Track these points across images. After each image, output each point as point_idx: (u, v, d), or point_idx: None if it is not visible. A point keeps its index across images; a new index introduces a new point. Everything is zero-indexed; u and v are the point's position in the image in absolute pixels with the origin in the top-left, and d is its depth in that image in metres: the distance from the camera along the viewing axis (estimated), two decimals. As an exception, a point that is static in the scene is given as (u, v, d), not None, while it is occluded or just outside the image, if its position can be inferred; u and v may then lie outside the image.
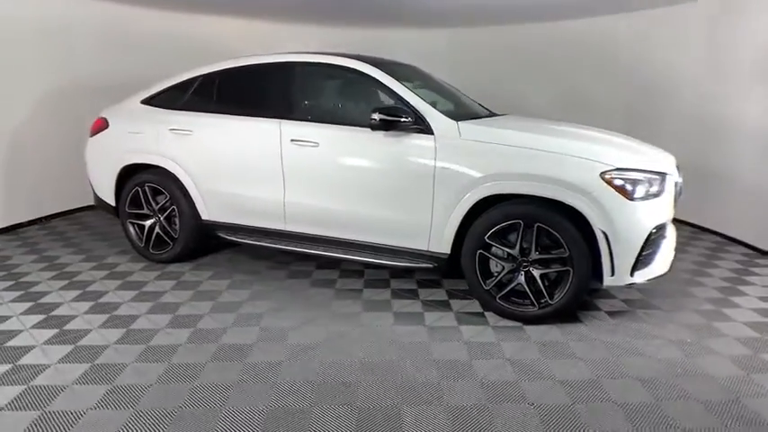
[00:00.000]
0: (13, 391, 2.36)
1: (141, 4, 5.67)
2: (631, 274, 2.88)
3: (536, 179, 2.88)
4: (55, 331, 2.95)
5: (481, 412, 2.23)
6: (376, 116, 3.11)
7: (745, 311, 3.24)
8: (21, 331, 2.94)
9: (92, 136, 4.25)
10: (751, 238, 4.48)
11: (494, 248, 3.08)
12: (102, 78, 5.59)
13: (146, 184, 4.00)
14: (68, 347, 2.76)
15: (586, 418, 2.20)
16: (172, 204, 3.94)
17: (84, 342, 2.82)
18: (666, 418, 2.21)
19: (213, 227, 3.90)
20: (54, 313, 3.18)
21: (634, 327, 3.06)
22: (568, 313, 3.10)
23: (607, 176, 2.80)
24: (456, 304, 3.35)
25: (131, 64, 5.73)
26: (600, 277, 2.90)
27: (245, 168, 3.65)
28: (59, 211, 5.53)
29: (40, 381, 2.44)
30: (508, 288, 3.07)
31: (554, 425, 2.15)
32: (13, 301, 3.36)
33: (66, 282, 3.69)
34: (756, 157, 4.35)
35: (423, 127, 3.15)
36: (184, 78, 3.98)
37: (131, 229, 4.14)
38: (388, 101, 3.35)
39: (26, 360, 2.63)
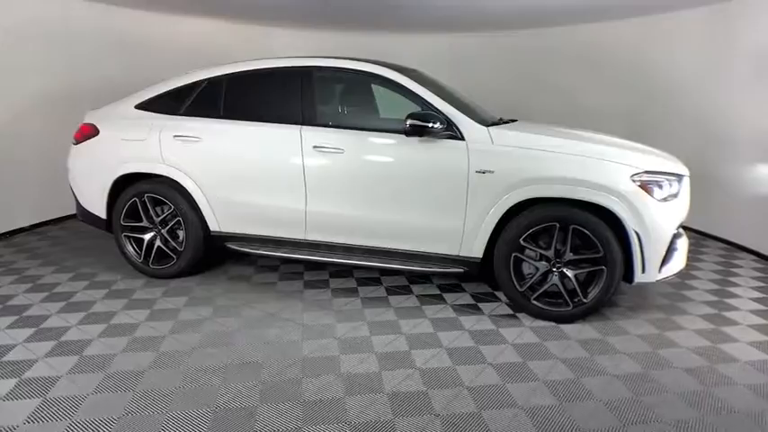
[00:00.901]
0: (56, 427, 2.12)
1: (131, 5, 5.41)
2: (659, 271, 3.06)
3: (570, 182, 3.00)
4: (75, 358, 2.68)
5: (558, 412, 2.29)
6: (410, 122, 3.11)
7: (746, 301, 3.53)
8: (35, 361, 2.65)
9: (77, 143, 3.91)
10: (730, 235, 4.88)
11: (527, 251, 3.17)
12: (69, 86, 5.19)
13: (145, 195, 3.73)
14: (98, 375, 2.52)
15: (655, 409, 2.31)
16: (176, 216, 3.71)
17: (114, 368, 2.59)
18: (722, 401, 2.37)
19: (223, 238, 3.71)
20: (64, 338, 2.89)
21: (656, 320, 3.25)
22: (597, 311, 3.24)
23: (636, 179, 2.97)
24: (485, 308, 3.40)
25: (111, 68, 5.41)
26: (629, 275, 3.06)
27: (260, 176, 3.51)
28: (21, 226, 5.03)
29: (81, 415, 2.21)
30: (543, 289, 3.16)
31: (629, 418, 2.24)
32: (10, 327, 3.02)
33: (63, 303, 3.37)
34: (747, 159, 4.63)
35: (453, 133, 3.18)
36: (186, 82, 3.76)
37: (127, 243, 3.85)
38: (414, 107, 3.33)
39: (56, 392, 2.37)
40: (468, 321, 3.20)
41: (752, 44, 4.55)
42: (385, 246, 3.40)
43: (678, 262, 3.19)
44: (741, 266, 4.25)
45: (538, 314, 3.21)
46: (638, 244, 2.98)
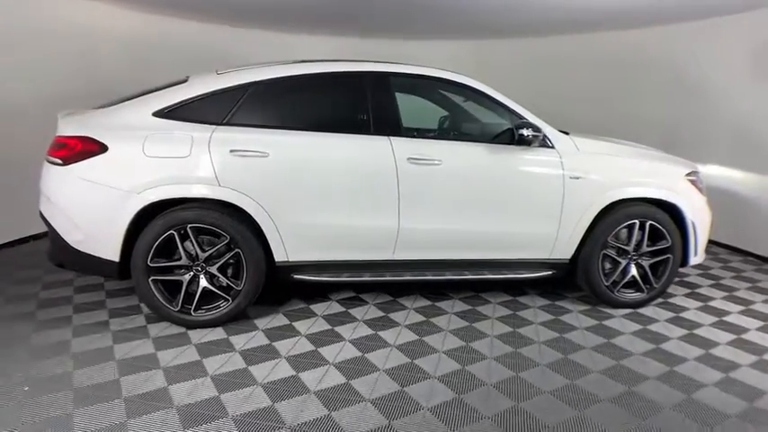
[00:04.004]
0: None
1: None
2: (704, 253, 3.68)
3: (648, 185, 3.42)
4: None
5: (730, 383, 2.63)
6: (520, 131, 3.16)
7: (721, 270, 4.37)
8: None
9: (66, 164, 2.88)
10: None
11: (610, 248, 3.47)
12: None
13: (188, 226, 2.96)
14: None
15: (784, 364, 2.83)
16: (234, 248, 3.02)
17: None
18: (810, 350, 3.01)
19: (291, 268, 3.17)
20: None
21: (691, 295, 3.86)
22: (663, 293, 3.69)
23: (688, 178, 3.53)
24: (565, 305, 3.61)
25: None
26: (684, 259, 3.60)
27: (345, 194, 3.13)
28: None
29: None
30: (625, 280, 3.50)
31: (780, 375, 2.71)
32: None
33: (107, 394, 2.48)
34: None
35: (545, 142, 3.32)
36: (225, 85, 3.08)
37: (157, 289, 2.99)
38: (498, 116, 3.38)
39: None
40: (571, 320, 3.36)
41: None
42: (481, 257, 3.37)
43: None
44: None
45: (620, 304, 3.54)
46: (693, 232, 3.53)
